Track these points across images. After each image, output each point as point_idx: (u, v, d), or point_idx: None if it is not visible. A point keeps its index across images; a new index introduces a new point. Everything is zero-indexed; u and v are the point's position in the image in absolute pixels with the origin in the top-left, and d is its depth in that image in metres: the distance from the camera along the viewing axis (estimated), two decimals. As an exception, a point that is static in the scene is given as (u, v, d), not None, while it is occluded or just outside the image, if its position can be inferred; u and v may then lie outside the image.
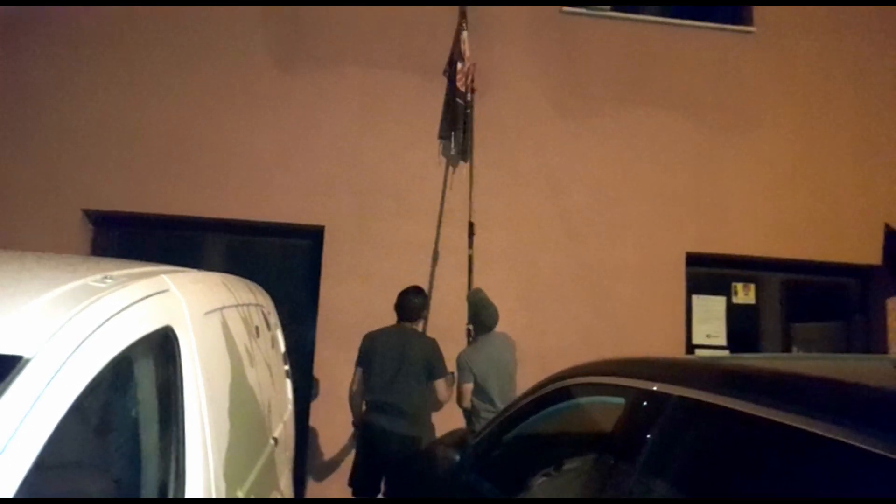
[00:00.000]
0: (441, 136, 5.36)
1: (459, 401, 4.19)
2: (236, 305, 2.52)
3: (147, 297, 1.59)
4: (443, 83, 5.37)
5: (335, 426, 5.23)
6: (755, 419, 1.31)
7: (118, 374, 1.44)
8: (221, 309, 2.24)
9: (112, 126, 5.34)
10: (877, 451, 1.06)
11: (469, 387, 4.07)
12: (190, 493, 1.61)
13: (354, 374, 4.33)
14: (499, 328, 5.19)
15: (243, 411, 2.30)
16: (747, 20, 6.09)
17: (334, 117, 5.53)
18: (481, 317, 4.30)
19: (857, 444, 1.11)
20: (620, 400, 1.84)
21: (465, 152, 5.29)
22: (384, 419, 4.07)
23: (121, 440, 1.50)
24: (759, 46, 6.01)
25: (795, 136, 5.94)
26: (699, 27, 6.00)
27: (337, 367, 5.27)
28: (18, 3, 5.32)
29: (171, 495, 1.57)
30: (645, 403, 1.67)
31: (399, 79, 5.61)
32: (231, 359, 2.23)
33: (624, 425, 1.75)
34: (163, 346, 1.65)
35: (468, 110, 5.24)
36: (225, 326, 2.24)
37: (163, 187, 5.31)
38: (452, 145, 5.31)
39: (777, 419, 1.26)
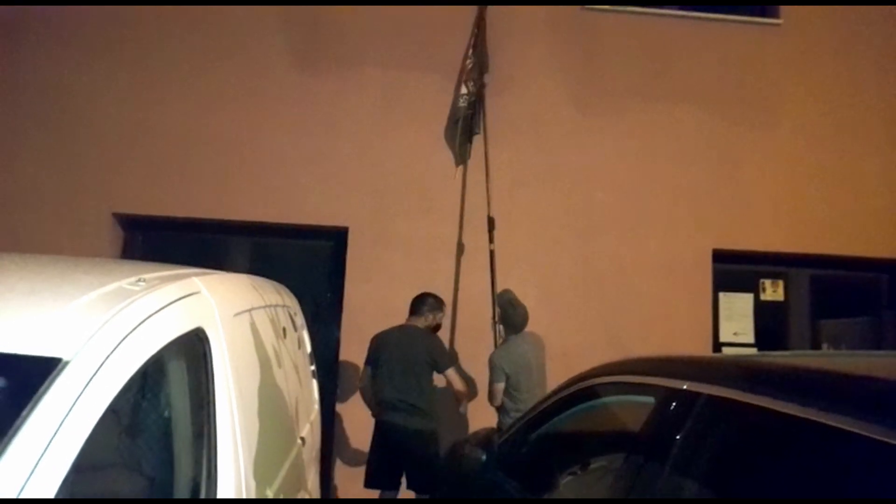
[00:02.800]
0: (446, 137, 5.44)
1: (491, 400, 4.24)
2: (264, 307, 2.55)
3: (179, 299, 1.63)
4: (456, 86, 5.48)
5: (359, 425, 5.26)
6: (786, 416, 1.30)
7: (152, 375, 1.47)
8: (250, 310, 2.27)
9: (139, 130, 5.44)
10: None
11: (500, 386, 4.12)
12: (222, 493, 1.64)
13: (363, 371, 4.46)
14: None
15: (272, 412, 2.33)
16: (772, 12, 6.00)
17: (355, 118, 5.56)
18: (511, 317, 4.35)
19: (890, 441, 1.09)
20: (648, 399, 1.83)
21: (461, 153, 5.36)
22: (398, 416, 4.16)
23: (154, 440, 1.53)
24: (784, 40, 5.91)
25: (820, 129, 5.83)
26: (722, 20, 5.91)
27: (361, 366, 5.31)
28: (39, 4, 5.42)
29: (203, 495, 1.60)
30: (674, 402, 1.65)
31: (419, 79, 5.62)
32: (260, 359, 2.26)
33: (653, 424, 1.74)
34: (195, 347, 1.68)
35: (467, 107, 5.31)
36: (254, 327, 2.27)
37: (189, 190, 5.39)
38: (457, 144, 5.34)
39: (807, 416, 1.25)
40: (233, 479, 1.70)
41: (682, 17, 5.89)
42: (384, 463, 4.24)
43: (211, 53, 5.55)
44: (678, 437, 1.57)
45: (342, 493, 5.18)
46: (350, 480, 5.21)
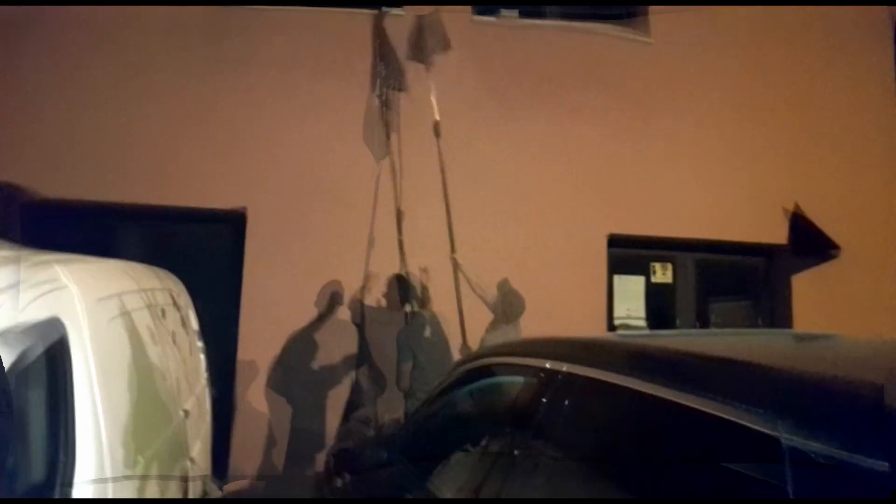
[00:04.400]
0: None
1: (398, 382, 4.32)
2: (138, 290, 2.54)
3: (35, 286, 1.65)
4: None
5: (259, 405, 5.24)
6: (629, 391, 1.40)
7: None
8: (120, 294, 2.26)
9: (19, 106, 5.08)
10: (731, 419, 1.15)
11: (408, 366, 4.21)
12: (81, 460, 1.71)
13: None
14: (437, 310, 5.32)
15: (145, 385, 2.36)
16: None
17: (257, 105, 5.47)
18: (514, 306, 4.59)
19: (714, 413, 1.19)
20: (520, 378, 1.91)
21: (379, 151, 5.50)
22: None
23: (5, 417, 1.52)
24: (684, 34, 6.16)
25: (712, 123, 6.16)
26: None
27: (260, 348, 5.26)
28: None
29: (61, 461, 1.66)
30: (538, 379, 1.74)
31: (321, 73, 5.56)
32: (130, 339, 2.30)
33: (521, 400, 1.82)
34: (50, 335, 1.68)
35: (384, 108, 5.47)
36: (123, 309, 2.28)
37: (76, 171, 5.11)
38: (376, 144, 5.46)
39: (646, 391, 1.34)
40: (93, 447, 1.75)
41: (563, 27, 6.08)
42: None
43: (106, 33, 5.28)
44: (540, 409, 1.66)
45: (240, 467, 5.14)
46: (246, 453, 5.17)
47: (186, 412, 2.93)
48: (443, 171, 5.36)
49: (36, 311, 1.61)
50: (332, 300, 5.32)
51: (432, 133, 5.56)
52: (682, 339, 1.81)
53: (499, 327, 4.64)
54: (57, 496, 1.62)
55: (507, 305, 4.63)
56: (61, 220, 5.16)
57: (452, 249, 5.33)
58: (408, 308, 4.66)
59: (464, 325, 5.19)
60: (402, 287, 4.61)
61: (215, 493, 4.77)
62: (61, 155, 5.11)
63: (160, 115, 5.28)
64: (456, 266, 5.25)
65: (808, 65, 6.38)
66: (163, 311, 2.90)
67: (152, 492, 2.21)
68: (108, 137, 5.18)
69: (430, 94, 5.50)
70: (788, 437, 1.04)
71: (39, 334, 1.62)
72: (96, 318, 1.92)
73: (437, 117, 5.40)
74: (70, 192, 5.12)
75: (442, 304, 5.30)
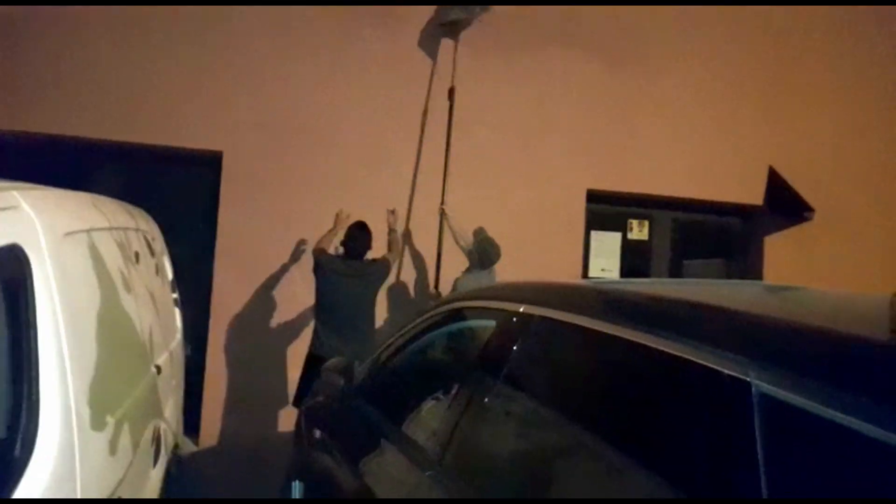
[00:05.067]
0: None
1: None
2: (109, 229, 2.40)
3: None
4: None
5: (233, 357, 5.19)
6: (603, 335, 1.40)
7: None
8: (89, 231, 2.13)
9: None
10: (695, 360, 1.16)
11: None
12: (45, 418, 1.56)
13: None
14: (403, 262, 5.32)
15: (116, 338, 2.22)
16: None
17: (239, 41, 5.24)
18: (488, 253, 4.72)
19: (689, 357, 1.20)
20: (493, 322, 1.91)
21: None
22: None
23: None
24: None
25: (692, 82, 6.13)
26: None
27: (235, 297, 5.19)
28: None
29: (23, 419, 1.52)
30: (511, 323, 1.74)
31: (309, 14, 5.33)
32: (101, 283, 2.13)
33: (493, 344, 1.83)
34: (10, 265, 1.55)
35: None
36: (93, 249, 2.13)
37: (43, 103, 4.89)
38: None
39: (620, 334, 1.35)
40: (59, 404, 1.61)
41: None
42: None
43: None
44: (512, 353, 1.66)
45: (212, 425, 5.12)
46: (220, 411, 5.15)
47: (159, 368, 2.78)
48: (449, 132, 5.29)
49: None
50: (297, 248, 5.25)
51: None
52: (656, 286, 1.82)
53: (473, 273, 4.70)
54: (17, 456, 1.47)
55: (483, 252, 4.71)
56: (23, 154, 4.97)
57: (443, 201, 5.28)
58: (367, 257, 4.58)
59: (439, 272, 5.18)
60: (358, 235, 4.49)
61: (190, 448, 4.79)
62: (30, 87, 4.89)
63: (136, 51, 5.06)
64: (443, 216, 5.21)
65: (788, 26, 6.34)
66: (136, 255, 2.75)
67: (123, 453, 2.08)
68: (84, 73, 4.97)
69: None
70: (759, 382, 1.05)
71: None
72: (62, 254, 1.76)
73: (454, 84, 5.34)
74: (35, 125, 4.92)
75: (426, 249, 5.32)
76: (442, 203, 5.27)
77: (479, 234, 4.93)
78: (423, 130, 5.50)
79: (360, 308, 4.40)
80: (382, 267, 4.57)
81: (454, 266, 5.08)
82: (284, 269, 5.25)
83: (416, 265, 5.53)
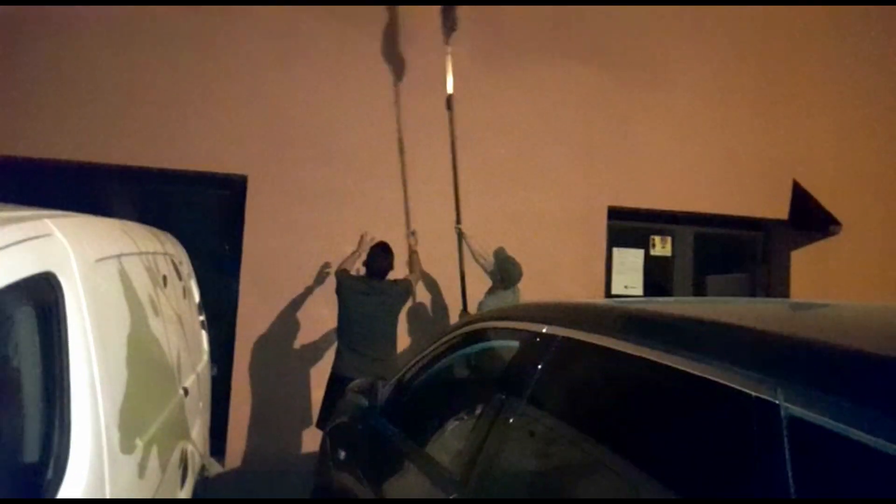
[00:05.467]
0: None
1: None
2: (138, 253, 2.45)
3: (24, 240, 1.52)
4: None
5: (258, 377, 5.22)
6: (625, 355, 1.39)
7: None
8: (119, 256, 2.17)
9: (10, 63, 4.97)
10: (721, 381, 1.14)
11: None
12: (76, 443, 1.59)
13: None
14: (425, 282, 5.32)
15: (145, 361, 2.26)
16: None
17: (252, 62, 5.33)
18: (510, 272, 4.69)
19: (714, 379, 1.19)
20: (516, 343, 1.91)
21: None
22: None
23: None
24: (676, 6, 6.08)
25: (711, 94, 6.12)
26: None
27: (260, 319, 5.24)
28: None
29: (55, 443, 1.55)
30: (534, 344, 1.74)
31: (317, 24, 5.43)
32: (130, 308, 2.17)
33: (517, 365, 1.83)
34: (43, 292, 1.59)
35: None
36: (123, 274, 2.18)
37: (68, 131, 5.01)
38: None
39: (645, 356, 1.34)
40: (89, 429, 1.64)
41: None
42: None
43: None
44: (536, 374, 1.66)
45: (238, 446, 5.14)
46: (246, 432, 5.17)
47: (186, 390, 2.81)
48: (453, 143, 5.20)
49: (24, 268, 1.45)
50: (321, 271, 5.29)
51: (443, 106, 5.49)
52: (679, 304, 1.80)
53: (496, 293, 4.69)
54: (49, 479, 1.48)
55: (504, 272, 4.70)
56: (51, 181, 5.08)
57: (458, 220, 5.22)
58: (388, 277, 4.60)
59: (465, 293, 5.15)
60: (380, 256, 4.53)
61: (217, 470, 4.81)
62: (55, 114, 5.02)
63: (159, 77, 5.18)
64: (461, 236, 5.18)
65: (809, 38, 6.30)
66: (164, 279, 2.79)
67: (152, 476, 2.09)
68: (106, 98, 5.09)
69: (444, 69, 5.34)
70: (787, 405, 1.04)
71: (30, 291, 1.47)
72: (94, 280, 1.80)
73: (451, 91, 5.20)
74: (63, 152, 5.02)
75: (442, 268, 5.33)
76: (457, 222, 5.22)
77: (500, 254, 4.92)
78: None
79: (382, 328, 4.41)
80: (404, 287, 4.60)
81: (478, 285, 5.07)
82: (308, 290, 5.29)
83: (439, 284, 5.54)
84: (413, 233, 5.20)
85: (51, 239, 1.68)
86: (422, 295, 5.52)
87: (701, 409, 1.24)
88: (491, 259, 4.91)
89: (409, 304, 5.06)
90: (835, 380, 1.03)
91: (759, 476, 1.03)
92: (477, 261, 5.02)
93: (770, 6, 6.21)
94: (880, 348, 1.13)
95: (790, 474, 0.98)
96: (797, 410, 1.01)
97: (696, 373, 1.21)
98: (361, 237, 4.84)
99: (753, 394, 1.08)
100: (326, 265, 5.25)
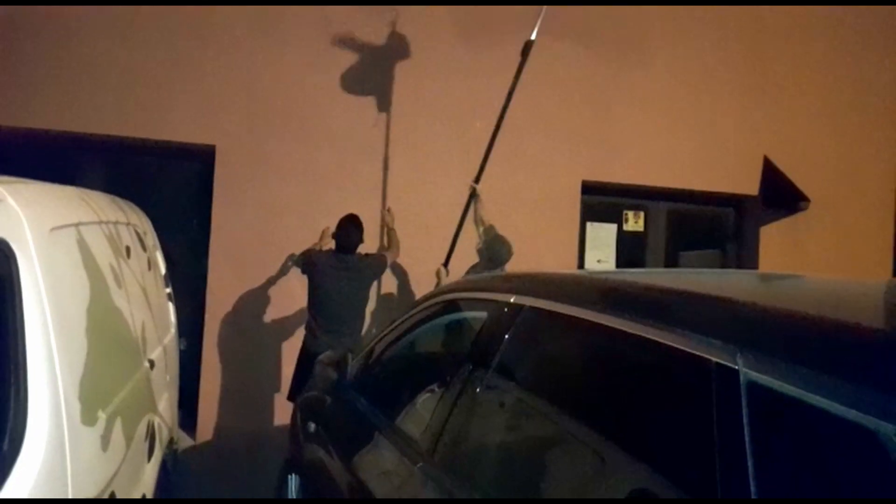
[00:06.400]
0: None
1: None
2: (99, 222, 2.39)
3: None
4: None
5: (229, 352, 5.18)
6: (593, 325, 1.39)
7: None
8: (77, 225, 2.12)
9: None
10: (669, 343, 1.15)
11: None
12: (34, 414, 1.56)
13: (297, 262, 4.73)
14: (401, 254, 5.25)
15: (106, 333, 2.22)
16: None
17: (228, 34, 5.19)
18: (499, 252, 4.46)
19: (677, 346, 1.19)
20: (484, 314, 1.91)
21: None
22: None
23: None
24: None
25: (688, 72, 6.11)
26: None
27: (230, 292, 5.18)
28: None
29: (10, 415, 1.51)
30: (502, 314, 1.73)
31: (296, 13, 5.30)
32: (90, 278, 2.12)
33: (485, 335, 1.82)
34: (-5, 260, 1.54)
35: None
36: (82, 244, 2.12)
37: (30, 97, 4.84)
38: None
39: (608, 324, 1.34)
40: (48, 400, 1.61)
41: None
42: None
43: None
44: (503, 343, 1.66)
45: (209, 420, 5.11)
46: (217, 406, 5.15)
47: (152, 363, 2.78)
48: (510, 93, 4.95)
49: None
50: (286, 263, 5.20)
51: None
52: (644, 276, 1.81)
53: (479, 272, 4.58)
54: (4, 452, 1.46)
55: (493, 252, 4.52)
56: (13, 150, 4.93)
57: (477, 179, 4.93)
58: (358, 251, 4.54)
59: (451, 252, 4.94)
60: (350, 230, 4.43)
61: (187, 443, 4.78)
62: (17, 81, 4.85)
63: (128, 47, 5.01)
64: (473, 195, 4.89)
65: (778, 16, 6.32)
66: (127, 249, 2.73)
67: (116, 448, 2.07)
68: (72, 66, 4.93)
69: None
70: (747, 370, 1.04)
71: None
72: (50, 249, 1.75)
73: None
74: (24, 120, 4.86)
75: (418, 242, 5.29)
76: (476, 180, 4.90)
77: (490, 232, 4.70)
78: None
79: (352, 303, 4.38)
80: (375, 262, 4.55)
81: (464, 259, 4.97)
82: (279, 263, 5.23)
83: (416, 259, 5.50)
84: (388, 209, 5.14)
85: (3, 205, 1.63)
86: (397, 272, 5.49)
87: (664, 376, 1.25)
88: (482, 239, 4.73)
89: (389, 280, 5.02)
90: (793, 347, 1.04)
91: (721, 443, 1.04)
92: (477, 227, 4.82)
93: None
94: (838, 316, 1.14)
95: (748, 441, 0.99)
96: (756, 376, 1.02)
97: (658, 339, 1.22)
98: (323, 232, 4.76)
99: (714, 360, 1.08)
100: (290, 256, 5.16)
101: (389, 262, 4.77)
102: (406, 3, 5.43)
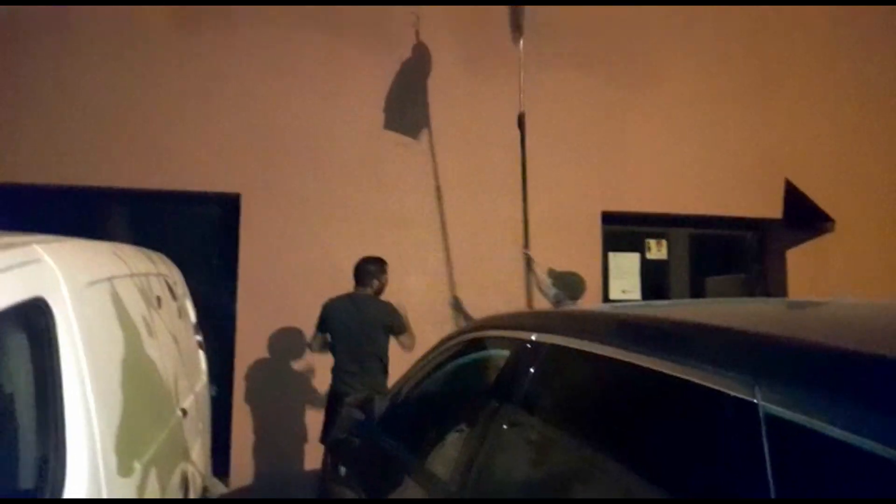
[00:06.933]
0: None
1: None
2: (131, 275, 2.47)
3: (12, 267, 1.54)
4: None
5: (259, 396, 5.21)
6: (611, 360, 1.41)
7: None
8: (110, 279, 2.19)
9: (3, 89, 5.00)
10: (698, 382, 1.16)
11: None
12: (72, 467, 1.60)
13: (314, 337, 4.57)
14: (416, 285, 5.25)
15: (141, 384, 2.27)
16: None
17: (240, 79, 5.36)
18: (574, 285, 4.52)
19: (688, 378, 1.20)
20: (507, 352, 1.92)
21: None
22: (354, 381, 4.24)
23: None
24: (668, 6, 6.12)
25: (701, 94, 6.13)
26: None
27: (259, 336, 5.24)
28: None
29: (50, 468, 1.56)
30: (525, 352, 1.75)
31: (305, 39, 5.47)
32: (124, 330, 2.19)
33: (508, 373, 1.84)
34: (34, 318, 1.61)
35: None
36: (115, 297, 2.19)
37: (60, 155, 5.03)
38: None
39: (628, 360, 1.36)
40: (86, 453, 1.65)
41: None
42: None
43: (80, 7, 5.16)
44: (526, 381, 1.67)
45: (242, 465, 5.13)
46: (249, 451, 5.16)
47: (185, 411, 2.81)
48: (524, 165, 5.12)
49: (14, 294, 1.46)
50: (317, 284, 5.25)
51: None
52: (672, 308, 1.82)
53: (567, 303, 4.50)
54: None
55: (566, 287, 4.52)
56: (42, 206, 5.09)
57: (526, 245, 5.12)
58: (368, 290, 4.55)
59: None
60: (364, 261, 4.50)
61: (221, 490, 4.78)
62: (43, 139, 5.03)
63: (148, 98, 5.21)
64: (529, 261, 5.05)
65: (802, 35, 6.35)
66: (158, 300, 2.80)
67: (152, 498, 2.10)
68: (94, 121, 5.12)
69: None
70: (766, 404, 1.04)
71: (20, 318, 1.49)
72: (85, 304, 1.81)
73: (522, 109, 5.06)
74: (51, 176, 5.03)
75: (434, 279, 5.34)
76: (525, 247, 5.09)
77: (554, 272, 4.73)
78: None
79: (365, 342, 4.30)
80: (384, 309, 4.41)
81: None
82: (306, 304, 5.28)
83: (436, 294, 5.52)
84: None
85: (40, 264, 1.70)
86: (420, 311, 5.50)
87: (688, 411, 1.25)
88: (548, 281, 4.72)
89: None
90: (811, 377, 1.04)
91: (742, 473, 1.04)
92: (540, 288, 4.85)
93: (764, 6, 6.25)
94: (861, 345, 1.14)
95: (770, 471, 0.99)
96: (775, 409, 1.02)
97: (678, 375, 1.23)
98: None
99: (732, 393, 1.09)
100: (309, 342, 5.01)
101: (402, 332, 4.46)
102: (407, 3, 5.52)
